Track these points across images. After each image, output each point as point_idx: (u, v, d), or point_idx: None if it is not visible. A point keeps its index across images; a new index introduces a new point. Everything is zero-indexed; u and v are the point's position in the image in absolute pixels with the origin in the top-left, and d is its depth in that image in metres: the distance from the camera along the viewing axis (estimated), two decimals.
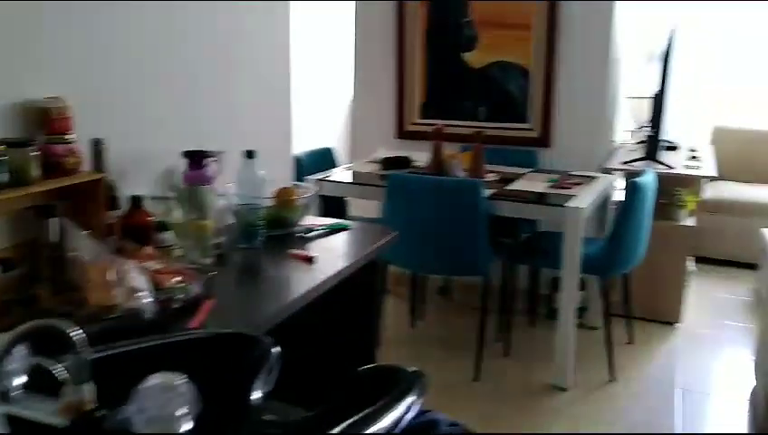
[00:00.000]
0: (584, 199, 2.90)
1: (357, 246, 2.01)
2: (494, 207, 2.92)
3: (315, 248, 1.94)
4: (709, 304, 3.92)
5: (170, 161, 1.89)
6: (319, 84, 4.99)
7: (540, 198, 2.98)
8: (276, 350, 1.20)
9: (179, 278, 1.43)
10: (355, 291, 1.99)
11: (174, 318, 1.35)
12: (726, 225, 4.45)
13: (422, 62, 3.91)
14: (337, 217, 2.87)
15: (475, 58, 3.80)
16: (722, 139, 5.00)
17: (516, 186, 3.18)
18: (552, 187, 3.15)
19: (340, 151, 4.76)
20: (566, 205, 2.81)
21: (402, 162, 3.51)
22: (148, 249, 1.54)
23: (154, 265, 1.45)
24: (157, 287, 1.36)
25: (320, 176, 3.32)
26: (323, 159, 3.61)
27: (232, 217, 1.91)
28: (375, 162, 3.63)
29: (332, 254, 1.93)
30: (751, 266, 4.19)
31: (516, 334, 3.37)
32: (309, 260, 1.82)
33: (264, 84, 2.31)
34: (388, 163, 3.50)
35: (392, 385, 1.02)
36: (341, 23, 4.79)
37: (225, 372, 1.11)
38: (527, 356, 3.26)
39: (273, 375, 1.07)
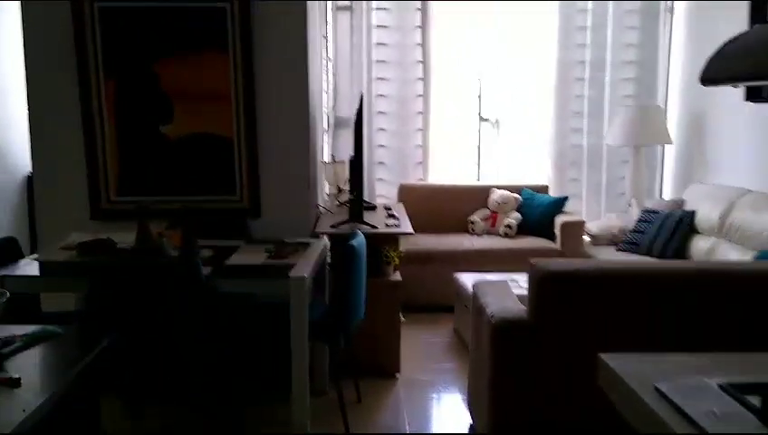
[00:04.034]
0: (305, 268, 2.90)
1: (71, 355, 1.71)
2: (216, 286, 2.77)
3: (18, 366, 1.60)
4: (420, 350, 4.20)
5: None
6: None
7: (261, 271, 2.92)
8: None
9: None
10: (72, 407, 1.69)
11: None
12: (424, 273, 4.84)
13: (114, 136, 3.61)
14: (30, 319, 2.45)
15: (173, 130, 3.63)
16: (407, 195, 5.48)
17: (235, 260, 3.07)
18: (270, 257, 3.10)
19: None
20: (290, 275, 2.77)
21: (103, 246, 3.16)
22: None
23: None
24: None
25: (2, 272, 2.83)
26: (4, 251, 3.08)
27: None
28: (70, 249, 3.22)
29: (41, 371, 1.62)
30: (449, 309, 4.62)
31: (250, 412, 3.21)
32: (13, 383, 1.49)
33: None
34: (85, 248, 3.13)
35: None
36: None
37: None
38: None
39: None
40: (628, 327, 2.54)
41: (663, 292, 2.53)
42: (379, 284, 3.69)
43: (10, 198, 4.50)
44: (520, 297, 3.22)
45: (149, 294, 2.68)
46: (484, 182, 5.83)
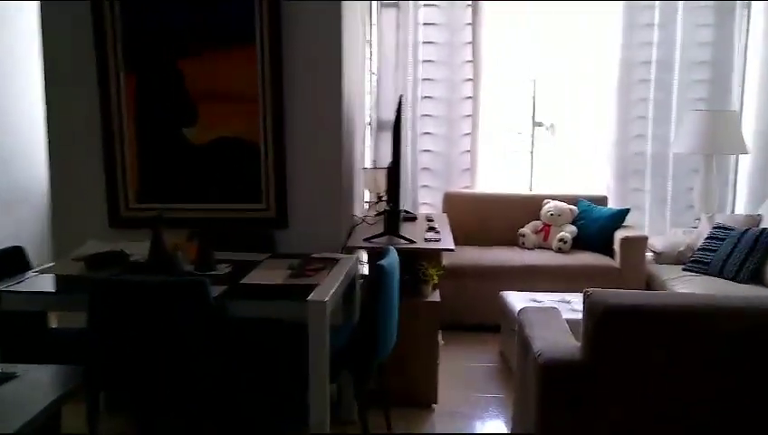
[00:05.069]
0: (328, 289, 2.58)
1: (22, 404, 1.43)
2: (227, 308, 2.48)
3: None
4: (461, 376, 3.83)
5: None
6: None
7: (279, 292, 2.62)
8: None
9: None
10: None
11: None
12: (469, 289, 4.47)
13: (134, 139, 3.38)
14: (30, 337, 2.24)
15: (196, 134, 3.36)
16: (452, 203, 5.12)
17: (252, 278, 2.78)
18: (292, 275, 2.79)
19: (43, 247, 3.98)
20: (309, 299, 2.46)
21: (114, 259, 2.92)
22: None
23: None
24: None
25: (3, 286, 2.61)
26: (8, 263, 2.87)
27: None
28: (81, 260, 2.99)
29: None
30: (496, 328, 4.24)
31: None
32: None
33: None
34: (94, 261, 2.89)
35: None
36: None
37: None
38: None
39: None
40: (704, 374, 2.14)
41: (752, 333, 2.12)
42: (416, 304, 3.36)
43: (35, 204, 4.32)
44: (573, 322, 2.85)
45: (153, 315, 2.41)
46: (536, 192, 5.42)
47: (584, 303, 2.26)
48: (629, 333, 2.16)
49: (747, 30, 5.11)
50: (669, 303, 2.19)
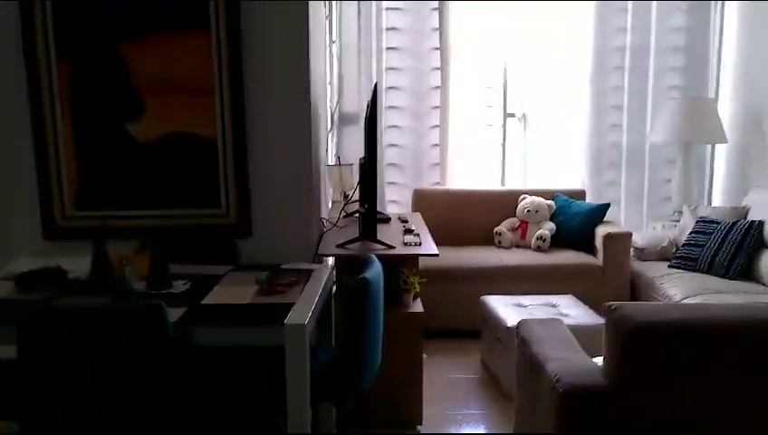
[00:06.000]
0: (306, 309, 2.22)
1: None
2: (187, 337, 2.09)
3: None
4: (444, 389, 3.52)
5: None
6: None
7: (249, 314, 2.24)
8: None
9: None
10: None
11: None
12: (444, 293, 4.15)
13: (70, 136, 2.93)
14: None
15: (142, 129, 2.94)
16: (422, 201, 4.80)
17: (215, 296, 2.39)
18: (261, 292, 2.42)
19: None
20: (286, 322, 2.10)
21: (48, 277, 2.49)
22: None
23: None
24: None
25: None
26: None
27: None
28: (9, 279, 2.55)
29: None
30: (473, 334, 3.95)
31: None
32: None
33: None
34: (25, 281, 2.45)
35: None
36: None
37: None
38: None
39: None
40: (755, 397, 1.87)
41: None
42: (397, 315, 3.02)
43: None
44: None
45: (98, 347, 2.01)
46: (511, 186, 5.14)
47: (607, 319, 1.96)
48: (664, 352, 1.87)
49: (722, 14, 4.93)
50: (709, 316, 1.91)
